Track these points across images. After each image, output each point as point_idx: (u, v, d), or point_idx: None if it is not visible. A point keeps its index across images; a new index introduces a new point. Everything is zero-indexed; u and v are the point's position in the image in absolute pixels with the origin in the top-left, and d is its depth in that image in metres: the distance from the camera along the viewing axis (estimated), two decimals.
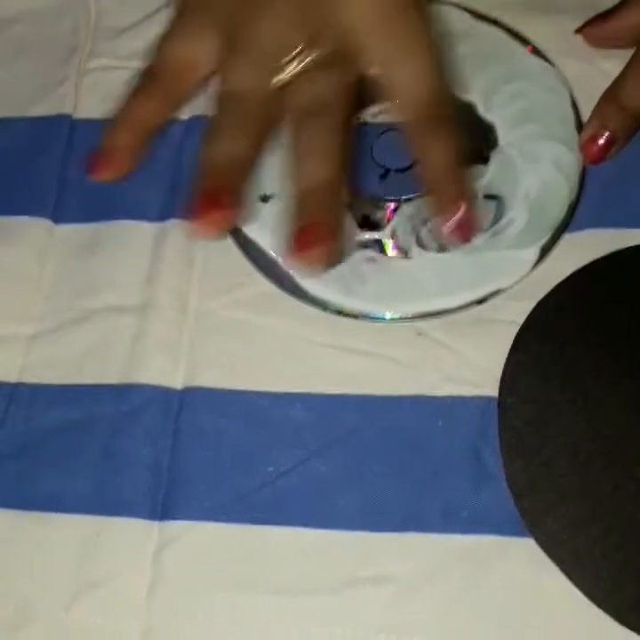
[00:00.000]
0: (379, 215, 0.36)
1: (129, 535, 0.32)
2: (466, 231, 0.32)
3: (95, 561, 0.32)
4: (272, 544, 0.31)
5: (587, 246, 0.34)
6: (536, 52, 0.38)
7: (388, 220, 0.36)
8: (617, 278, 0.34)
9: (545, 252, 0.34)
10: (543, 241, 0.34)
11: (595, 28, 0.37)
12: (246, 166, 0.33)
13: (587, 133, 0.35)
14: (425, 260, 0.35)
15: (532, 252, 0.34)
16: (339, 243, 0.32)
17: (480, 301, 0.34)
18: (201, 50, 0.35)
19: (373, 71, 0.34)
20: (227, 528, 0.32)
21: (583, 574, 0.30)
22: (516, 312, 0.34)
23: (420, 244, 0.35)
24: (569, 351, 0.33)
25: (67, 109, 0.40)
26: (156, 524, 0.32)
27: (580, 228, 0.35)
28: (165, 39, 0.35)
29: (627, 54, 0.35)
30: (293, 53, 0.33)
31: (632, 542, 0.30)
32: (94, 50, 0.41)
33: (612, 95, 0.35)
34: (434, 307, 0.34)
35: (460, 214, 0.32)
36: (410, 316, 0.34)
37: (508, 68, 0.38)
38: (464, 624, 0.30)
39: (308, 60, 0.33)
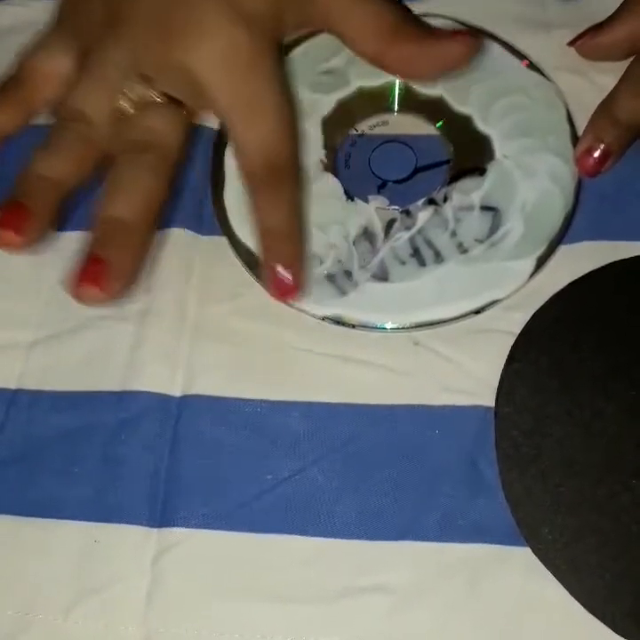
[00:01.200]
0: (376, 227, 0.36)
1: (128, 542, 0.32)
2: (289, 293, 0.33)
3: (94, 567, 0.32)
4: (270, 552, 0.31)
5: (583, 258, 0.35)
6: (532, 66, 0.38)
7: (385, 233, 0.36)
8: (612, 290, 0.34)
9: (541, 263, 0.35)
10: (539, 252, 0.35)
11: (587, 41, 0.38)
12: (62, 187, 0.33)
13: (582, 146, 0.36)
14: (422, 271, 0.35)
15: (529, 263, 0.35)
16: (122, 282, 0.32)
17: (477, 312, 0.34)
18: (59, 65, 0.35)
19: (221, 119, 0.35)
20: (225, 535, 0.32)
21: (580, 583, 0.30)
22: (512, 322, 0.34)
23: (420, 260, 0.35)
24: (565, 361, 0.33)
25: None
26: (154, 531, 0.32)
27: (576, 239, 0.35)
28: (33, 50, 0.36)
29: (621, 68, 0.36)
30: (136, 84, 0.33)
31: (628, 552, 0.30)
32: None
33: (606, 108, 0.36)
34: (431, 317, 0.34)
35: (283, 277, 0.33)
36: (407, 326, 0.34)
37: (505, 81, 0.38)
38: (461, 632, 0.30)
39: (150, 93, 0.34)
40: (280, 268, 0.33)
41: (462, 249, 0.35)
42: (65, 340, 0.36)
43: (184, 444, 0.33)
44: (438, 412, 0.33)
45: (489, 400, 0.33)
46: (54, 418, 0.34)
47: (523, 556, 0.31)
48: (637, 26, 0.36)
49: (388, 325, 0.34)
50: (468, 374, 0.34)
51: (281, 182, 0.33)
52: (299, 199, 0.34)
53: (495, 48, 0.39)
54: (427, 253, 0.35)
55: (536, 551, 0.30)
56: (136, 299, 0.35)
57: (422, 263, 0.35)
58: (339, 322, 0.35)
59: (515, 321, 0.34)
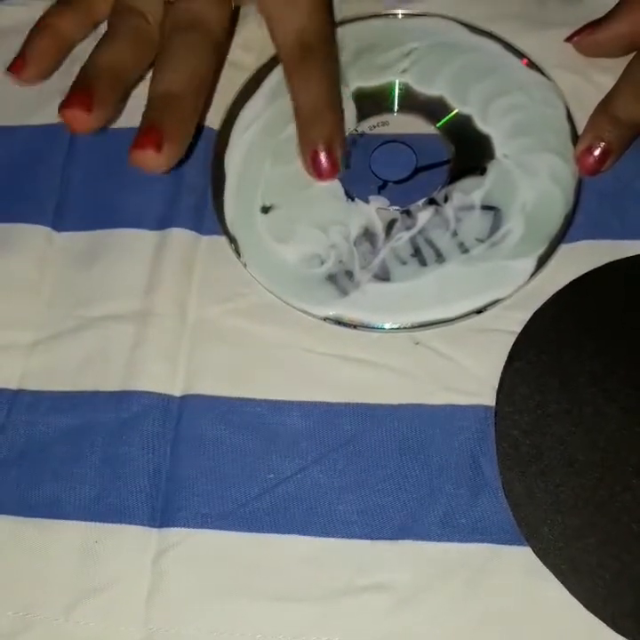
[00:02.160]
0: (377, 227, 0.36)
1: (128, 542, 0.32)
2: (328, 170, 0.34)
3: (94, 567, 0.32)
4: (270, 552, 0.32)
5: (583, 257, 0.35)
6: (531, 65, 0.38)
7: (386, 233, 0.36)
8: (613, 289, 0.34)
9: (542, 262, 0.35)
10: (540, 251, 0.35)
11: (585, 37, 0.38)
12: (124, 74, 0.35)
13: (582, 145, 0.36)
14: (423, 271, 0.35)
15: (529, 263, 0.35)
16: (175, 152, 0.33)
17: (479, 311, 0.34)
18: None
19: (258, 11, 0.37)
20: (225, 535, 0.32)
21: (580, 583, 0.30)
22: (512, 322, 0.34)
23: (421, 260, 0.35)
24: (565, 361, 0.33)
25: None
26: (154, 531, 0.32)
27: (577, 239, 0.35)
28: None
29: (621, 67, 0.36)
30: None
31: (628, 551, 0.30)
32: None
33: (605, 107, 0.36)
34: (432, 317, 0.34)
35: (321, 154, 0.34)
36: (408, 326, 0.34)
37: (505, 81, 0.38)
38: (461, 632, 0.30)
39: None
40: (319, 147, 0.34)
41: (463, 249, 0.35)
42: (66, 340, 0.36)
43: (184, 443, 0.33)
44: (438, 412, 0.33)
45: (489, 399, 0.33)
46: (55, 418, 0.34)
47: (523, 555, 0.31)
48: (636, 22, 0.36)
49: (390, 325, 0.34)
50: (469, 374, 0.34)
51: (316, 60, 0.35)
52: (335, 77, 0.35)
53: (495, 47, 0.39)
54: (428, 253, 0.35)
55: (536, 550, 0.30)
56: (136, 298, 0.36)
57: (423, 263, 0.35)
58: (340, 322, 0.35)
59: (515, 320, 0.34)
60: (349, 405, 0.33)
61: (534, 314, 0.34)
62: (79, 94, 0.34)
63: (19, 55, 0.38)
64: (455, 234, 0.35)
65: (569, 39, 0.38)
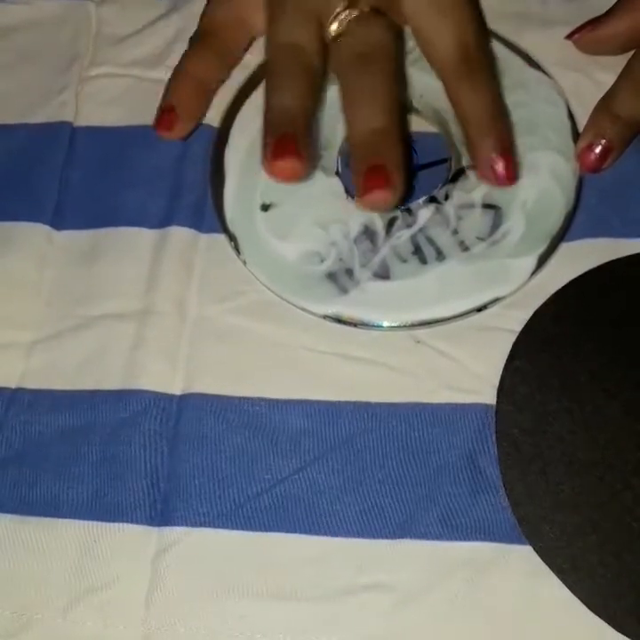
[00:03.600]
0: (377, 225, 0.36)
1: (127, 541, 0.32)
2: (507, 177, 0.33)
3: (93, 566, 0.32)
4: (270, 551, 0.32)
5: (584, 255, 0.35)
6: (532, 63, 0.38)
7: (387, 231, 0.36)
8: (613, 287, 0.34)
9: (542, 260, 0.35)
10: (541, 250, 0.35)
11: (585, 35, 0.38)
12: (309, 115, 0.33)
13: (583, 143, 0.35)
14: (423, 269, 0.35)
15: (530, 261, 0.35)
16: (402, 185, 0.32)
17: (478, 310, 0.34)
18: (248, 8, 0.37)
19: (409, 25, 0.35)
20: (225, 534, 0.32)
21: (581, 582, 0.30)
22: (513, 320, 0.34)
23: (421, 258, 0.35)
24: (566, 359, 0.33)
25: (68, 117, 0.40)
26: (154, 530, 0.32)
27: (577, 237, 0.35)
28: (213, 2, 0.37)
29: (621, 64, 0.36)
30: (338, 9, 0.34)
31: (629, 550, 0.30)
32: (95, 58, 0.41)
33: (605, 105, 0.36)
34: (432, 315, 0.34)
35: (501, 163, 0.33)
36: (408, 324, 0.34)
37: (506, 79, 0.38)
38: (462, 631, 0.30)
39: (353, 14, 0.34)
40: (496, 157, 0.33)
41: (464, 247, 0.35)
42: (65, 339, 0.36)
43: (184, 442, 0.33)
44: (439, 410, 0.33)
45: (490, 398, 0.33)
46: (54, 417, 0.34)
47: (523, 554, 0.30)
48: (636, 20, 0.36)
49: (389, 323, 0.34)
50: (469, 372, 0.34)
51: (479, 71, 0.34)
52: (498, 87, 0.35)
53: (495, 45, 0.39)
54: (428, 251, 0.35)
55: (537, 549, 0.30)
56: (136, 297, 0.36)
57: (424, 261, 0.35)
58: (340, 320, 0.35)
59: (516, 319, 0.34)
60: (349, 404, 0.33)
61: (535, 312, 0.34)
62: (285, 143, 0.31)
63: (166, 108, 0.36)
64: (456, 232, 0.35)
65: (569, 37, 0.38)
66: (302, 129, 0.32)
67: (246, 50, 0.38)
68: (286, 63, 0.34)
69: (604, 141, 0.35)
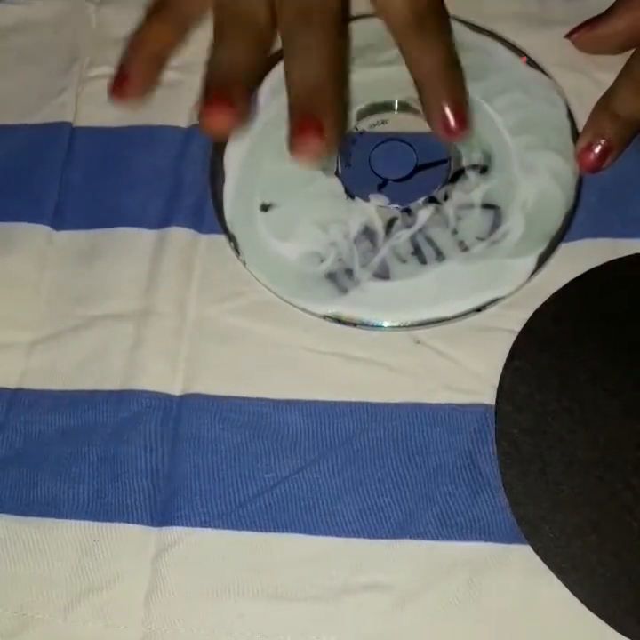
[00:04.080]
0: (377, 225, 0.36)
1: (127, 541, 0.32)
2: (457, 128, 0.34)
3: (93, 567, 0.32)
4: (269, 551, 0.32)
5: (583, 255, 0.35)
6: (531, 63, 0.38)
7: (386, 231, 0.36)
8: (613, 287, 0.34)
9: (542, 260, 0.35)
10: (540, 250, 0.35)
11: (584, 34, 0.38)
12: (249, 71, 0.34)
13: (582, 143, 0.35)
14: (423, 270, 0.35)
15: (530, 261, 0.35)
16: (335, 136, 0.32)
17: (478, 310, 0.34)
18: None
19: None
20: (225, 534, 0.32)
21: (580, 582, 0.30)
22: (513, 320, 0.34)
23: (421, 258, 0.35)
24: (566, 359, 0.33)
25: (67, 117, 0.40)
26: (154, 531, 0.32)
27: (577, 237, 0.35)
28: None
29: (621, 64, 0.36)
30: None
31: (628, 550, 0.30)
32: (95, 58, 0.41)
33: (605, 104, 0.35)
34: (432, 315, 0.34)
35: (450, 113, 0.33)
36: (408, 324, 0.34)
37: (505, 79, 0.38)
38: (461, 631, 0.30)
39: None
40: (447, 106, 0.33)
41: (463, 247, 0.35)
42: (65, 339, 0.36)
43: (184, 443, 0.33)
44: (439, 411, 0.33)
45: (489, 398, 0.33)
46: (54, 417, 0.34)
47: (523, 554, 0.30)
48: (635, 19, 0.36)
49: (389, 324, 0.34)
50: (469, 372, 0.33)
51: (431, 29, 0.34)
52: (452, 42, 0.35)
53: (494, 45, 0.39)
54: (428, 252, 0.35)
55: (536, 549, 0.30)
56: (136, 297, 0.36)
57: (423, 261, 0.35)
58: (339, 320, 0.35)
59: (515, 319, 0.34)
60: (349, 404, 0.33)
61: (535, 312, 0.34)
62: (218, 95, 0.32)
63: (120, 76, 0.36)
64: (455, 232, 0.35)
65: (568, 36, 0.38)
66: (236, 83, 0.33)
67: (204, 11, 0.38)
68: (230, 22, 0.35)
69: (603, 141, 0.35)
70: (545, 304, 0.34)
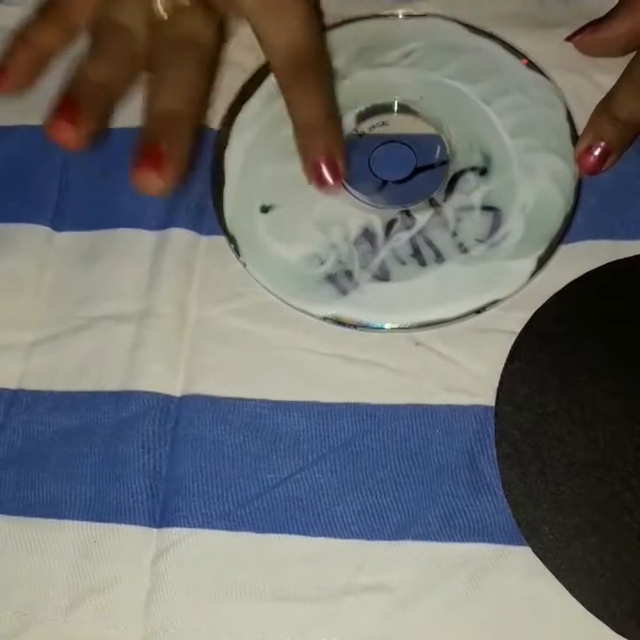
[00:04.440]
0: (377, 227, 0.36)
1: (127, 542, 0.32)
2: (331, 181, 0.34)
3: (94, 568, 0.32)
4: (270, 551, 0.32)
5: (583, 257, 0.35)
6: (531, 65, 0.38)
7: (386, 233, 0.36)
8: (612, 289, 0.34)
9: (542, 262, 0.35)
10: (540, 252, 0.35)
11: (586, 37, 0.38)
12: (110, 92, 0.35)
13: (582, 145, 0.36)
14: (423, 271, 0.35)
15: (529, 263, 0.35)
16: (175, 171, 0.33)
17: (478, 311, 0.34)
18: None
19: (246, 21, 0.36)
20: (225, 535, 0.32)
21: (580, 583, 0.30)
22: (513, 322, 0.34)
23: (420, 260, 0.35)
24: (565, 360, 0.33)
25: None
26: (154, 531, 0.32)
27: (577, 238, 0.35)
28: None
29: (621, 66, 0.36)
30: None
31: (628, 551, 0.30)
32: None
33: (605, 107, 0.36)
34: (432, 317, 0.34)
35: (323, 165, 0.34)
36: (408, 325, 0.34)
37: (504, 81, 0.38)
38: (461, 632, 0.30)
39: (176, 4, 0.35)
40: (320, 159, 0.34)
41: (463, 249, 0.35)
42: (65, 340, 0.36)
43: (184, 443, 0.33)
44: (439, 412, 0.33)
45: (489, 399, 0.33)
46: (54, 418, 0.34)
47: (523, 555, 0.30)
48: (636, 22, 0.36)
49: (389, 325, 0.34)
50: (469, 374, 0.34)
51: (310, 75, 0.35)
52: (331, 90, 0.36)
53: (494, 47, 0.39)
54: (427, 253, 0.35)
55: (536, 550, 0.30)
56: (136, 298, 0.36)
57: (423, 263, 0.35)
58: (339, 322, 0.35)
59: (515, 320, 0.34)
60: (349, 405, 0.33)
61: (534, 314, 0.34)
62: (65, 108, 0.33)
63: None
64: (455, 234, 0.35)
65: (569, 39, 0.38)
66: (90, 100, 0.34)
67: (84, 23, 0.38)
68: (105, 39, 0.35)
69: (603, 143, 0.35)
70: (545, 305, 0.34)
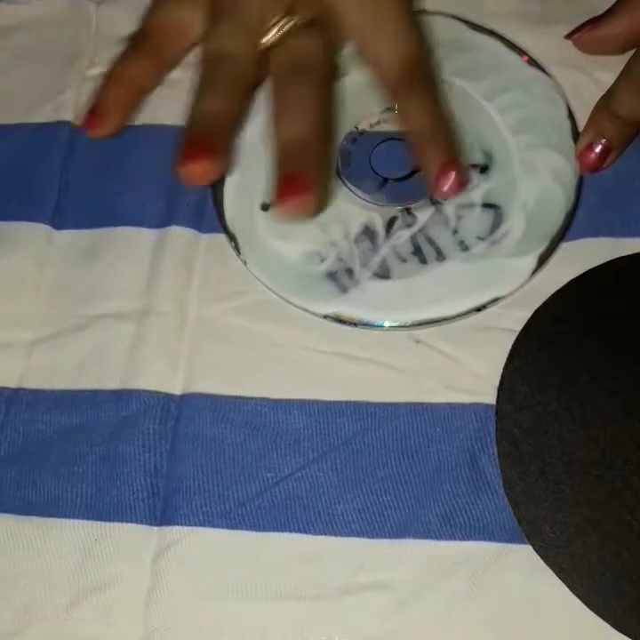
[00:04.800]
0: (377, 225, 0.36)
1: (128, 540, 0.32)
2: (457, 186, 0.33)
3: (94, 566, 0.32)
4: (270, 550, 0.31)
5: (584, 255, 0.35)
6: (532, 62, 0.38)
7: (387, 231, 0.36)
8: (613, 287, 0.34)
9: (543, 260, 0.35)
10: (541, 249, 0.35)
11: (585, 34, 0.38)
12: (231, 121, 0.34)
13: (583, 142, 0.35)
14: (423, 269, 0.35)
15: (530, 261, 0.35)
16: (320, 194, 0.32)
17: (478, 309, 0.34)
18: (188, 16, 0.36)
19: (351, 40, 0.36)
20: (225, 534, 0.32)
21: (581, 581, 0.30)
22: (513, 320, 0.34)
23: (421, 258, 0.35)
24: (566, 359, 0.33)
25: (67, 116, 0.40)
26: (154, 530, 0.32)
27: (578, 236, 0.35)
28: (155, 5, 0.37)
29: (621, 64, 0.36)
30: (274, 20, 0.34)
31: (629, 549, 0.30)
32: (95, 58, 0.41)
33: (605, 104, 0.35)
34: (432, 315, 0.34)
35: (450, 172, 0.33)
36: (408, 323, 0.34)
37: (505, 78, 0.38)
38: (462, 631, 0.30)
39: (288, 26, 0.35)
40: (440, 169, 0.33)
41: (464, 246, 0.35)
42: (66, 339, 0.36)
43: (184, 442, 0.33)
44: (439, 410, 0.33)
45: (490, 398, 0.33)
46: (55, 417, 0.34)
47: (524, 553, 0.30)
48: (635, 20, 0.36)
49: (389, 323, 0.34)
50: (470, 372, 0.34)
51: (423, 86, 0.34)
52: (444, 98, 0.35)
53: (495, 44, 0.39)
54: (428, 251, 0.35)
55: (537, 549, 0.30)
56: (136, 297, 0.36)
57: (423, 261, 0.35)
58: (339, 320, 0.35)
59: (516, 318, 0.34)
60: (349, 404, 0.33)
61: (535, 312, 0.34)
62: (198, 147, 0.32)
63: (92, 108, 0.35)
64: (456, 232, 0.35)
65: (569, 36, 0.38)
66: (217, 133, 0.33)
67: (186, 53, 0.38)
68: (214, 71, 0.34)
69: (604, 140, 0.35)
70: (545, 303, 0.34)
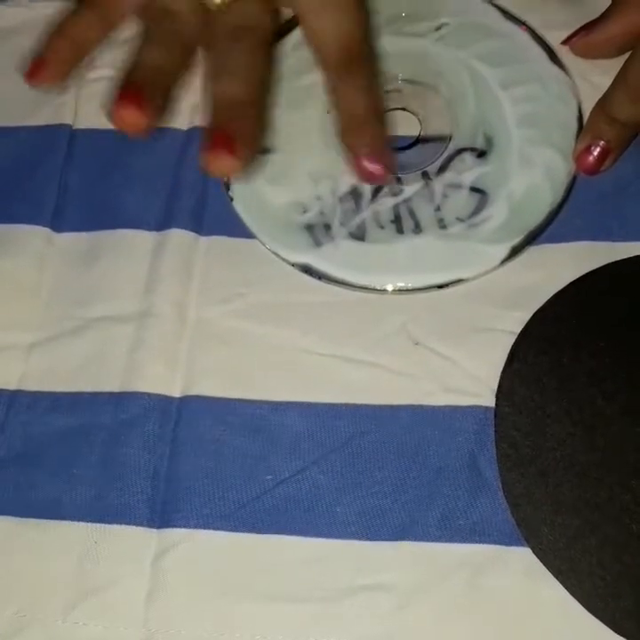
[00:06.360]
0: (365, 188, 0.36)
1: (127, 543, 0.32)
2: (377, 178, 0.34)
3: (93, 568, 0.32)
4: (270, 552, 0.32)
5: (582, 258, 0.35)
6: (555, 60, 0.38)
7: (372, 196, 0.36)
8: (612, 290, 0.34)
9: (515, 252, 0.35)
10: (515, 241, 0.35)
11: (580, 39, 0.38)
12: (168, 75, 0.34)
13: (581, 145, 0.36)
14: (398, 239, 0.35)
15: (502, 250, 0.35)
16: (248, 151, 0.32)
17: (440, 286, 0.35)
18: None
19: (294, 13, 0.36)
20: (225, 536, 0.32)
21: (580, 584, 0.30)
22: (512, 322, 0.34)
23: (399, 227, 0.36)
24: (565, 361, 0.33)
25: (67, 119, 0.40)
26: (154, 532, 0.32)
27: (576, 239, 0.35)
28: None
29: (619, 67, 0.35)
30: None
31: (628, 552, 0.30)
32: (95, 60, 0.41)
33: (603, 107, 0.36)
34: (398, 283, 0.35)
35: (374, 158, 0.33)
36: (371, 286, 0.35)
37: (525, 70, 0.38)
38: (460, 633, 0.30)
39: None
40: (366, 155, 0.33)
41: (442, 224, 0.36)
42: (65, 341, 0.36)
43: (184, 444, 0.33)
44: (438, 413, 0.33)
45: (489, 400, 0.33)
46: (54, 419, 0.34)
47: (523, 556, 0.30)
48: (630, 22, 0.36)
49: (355, 282, 0.35)
50: (468, 374, 0.34)
51: (360, 66, 0.34)
52: (379, 82, 0.35)
53: (524, 36, 0.39)
54: (407, 222, 0.36)
55: (536, 551, 0.30)
56: (135, 299, 0.36)
57: (400, 231, 0.36)
58: (308, 271, 0.35)
59: (515, 320, 0.34)
60: (348, 406, 0.33)
61: (534, 314, 0.34)
62: (129, 92, 0.32)
63: (35, 58, 0.35)
64: (438, 209, 0.36)
65: (565, 42, 0.38)
66: (153, 85, 0.33)
67: (131, 12, 0.37)
68: (157, 26, 0.35)
69: (602, 143, 0.35)
70: (544, 306, 0.34)
